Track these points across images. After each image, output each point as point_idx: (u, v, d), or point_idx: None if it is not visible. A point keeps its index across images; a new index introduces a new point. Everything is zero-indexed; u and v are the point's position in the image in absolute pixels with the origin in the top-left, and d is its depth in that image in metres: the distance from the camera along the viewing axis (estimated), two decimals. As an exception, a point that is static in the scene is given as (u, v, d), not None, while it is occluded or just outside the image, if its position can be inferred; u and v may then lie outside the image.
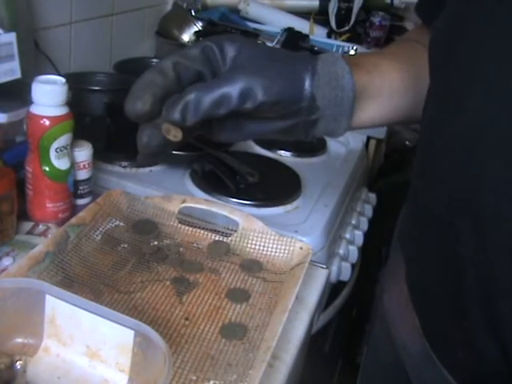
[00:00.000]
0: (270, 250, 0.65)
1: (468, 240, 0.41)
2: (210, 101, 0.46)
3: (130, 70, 1.08)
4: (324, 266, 0.71)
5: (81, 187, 0.71)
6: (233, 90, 0.45)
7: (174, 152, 0.81)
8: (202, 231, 0.68)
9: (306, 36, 1.36)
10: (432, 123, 0.46)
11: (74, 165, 0.68)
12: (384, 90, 0.54)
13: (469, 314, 0.42)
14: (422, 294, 0.51)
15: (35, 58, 0.84)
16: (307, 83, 0.47)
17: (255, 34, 1.35)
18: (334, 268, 0.79)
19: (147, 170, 0.83)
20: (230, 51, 0.48)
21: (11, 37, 0.67)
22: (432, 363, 0.49)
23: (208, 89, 0.46)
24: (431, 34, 0.48)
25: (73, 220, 0.62)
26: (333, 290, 0.85)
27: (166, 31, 1.30)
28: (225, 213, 0.67)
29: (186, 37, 1.29)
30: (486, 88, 0.39)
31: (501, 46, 0.38)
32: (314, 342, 0.72)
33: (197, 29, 1.29)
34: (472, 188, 0.40)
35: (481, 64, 0.39)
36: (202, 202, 0.70)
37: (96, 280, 0.58)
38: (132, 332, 0.44)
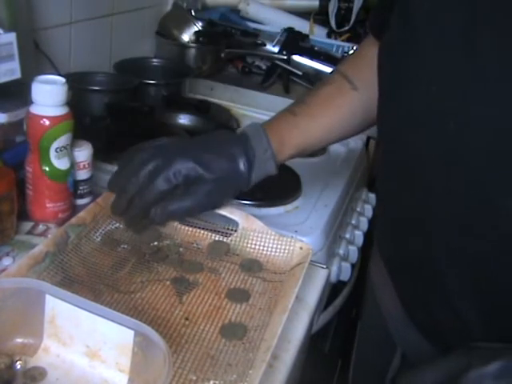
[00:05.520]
0: (269, 249, 0.65)
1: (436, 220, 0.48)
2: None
3: (129, 69, 1.08)
4: (324, 266, 0.71)
5: (81, 187, 0.71)
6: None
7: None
8: (202, 231, 0.68)
9: (306, 36, 1.37)
10: (388, 137, 0.57)
11: (74, 165, 0.68)
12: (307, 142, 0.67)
13: (434, 281, 0.50)
14: (395, 266, 0.58)
15: (35, 58, 0.84)
16: (242, 165, 0.62)
17: (255, 34, 1.35)
18: (334, 268, 0.79)
19: (147, 170, 0.83)
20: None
21: (11, 37, 0.67)
22: (410, 327, 0.57)
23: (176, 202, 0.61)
24: (380, 47, 0.55)
25: (73, 220, 0.62)
26: (333, 290, 0.85)
27: (166, 31, 1.30)
28: (225, 213, 0.67)
29: (186, 37, 1.29)
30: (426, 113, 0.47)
31: (445, 62, 0.44)
32: (314, 342, 0.72)
33: (197, 29, 1.29)
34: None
35: (427, 78, 0.46)
36: (201, 202, 0.70)
37: (96, 280, 0.58)
38: (132, 332, 0.44)
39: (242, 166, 0.62)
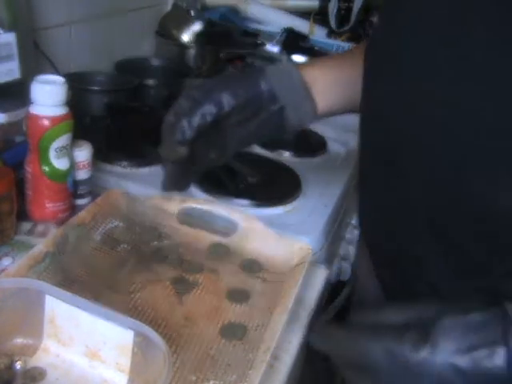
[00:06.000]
0: (270, 250, 0.65)
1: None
2: (199, 117, 0.58)
3: (130, 69, 1.08)
4: (324, 266, 0.71)
5: (80, 187, 0.71)
6: (210, 105, 0.58)
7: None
8: (202, 231, 0.68)
9: (306, 36, 1.37)
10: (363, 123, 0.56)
11: (73, 165, 0.68)
12: (337, 80, 0.63)
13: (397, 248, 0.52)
14: (380, 254, 0.59)
15: (35, 58, 0.84)
16: (262, 81, 0.59)
17: (255, 34, 1.35)
18: (334, 268, 0.79)
19: (147, 169, 0.83)
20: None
21: (11, 37, 0.67)
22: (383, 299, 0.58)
23: (193, 111, 0.58)
24: (367, 42, 0.55)
25: (73, 220, 0.62)
26: (333, 290, 0.85)
27: (165, 31, 1.30)
28: (225, 213, 0.67)
29: (186, 37, 1.29)
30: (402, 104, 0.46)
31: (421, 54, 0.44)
32: (313, 342, 0.72)
33: (197, 29, 1.29)
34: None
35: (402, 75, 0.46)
36: (201, 202, 0.70)
37: (96, 280, 0.58)
38: (132, 332, 0.44)
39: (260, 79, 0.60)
